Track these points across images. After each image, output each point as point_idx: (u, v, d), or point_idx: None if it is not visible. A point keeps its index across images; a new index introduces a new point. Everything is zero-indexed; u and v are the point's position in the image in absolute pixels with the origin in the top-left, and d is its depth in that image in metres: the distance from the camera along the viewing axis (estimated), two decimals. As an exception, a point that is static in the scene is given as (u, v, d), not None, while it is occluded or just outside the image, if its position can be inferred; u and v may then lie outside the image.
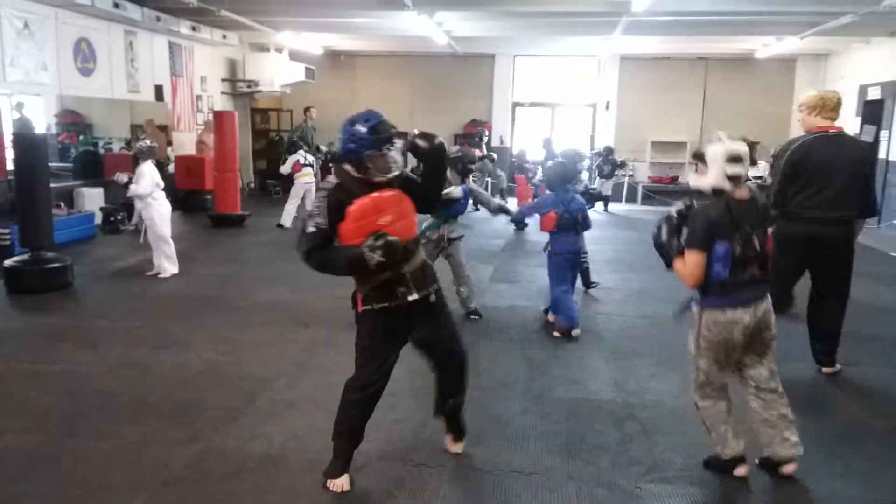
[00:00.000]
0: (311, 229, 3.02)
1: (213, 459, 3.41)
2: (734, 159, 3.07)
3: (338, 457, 3.20)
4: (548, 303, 5.93)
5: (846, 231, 4.57)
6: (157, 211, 7.21)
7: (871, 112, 12.30)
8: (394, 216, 3.01)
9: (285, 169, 10.64)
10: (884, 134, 11.72)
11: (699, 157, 3.18)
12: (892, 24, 10.81)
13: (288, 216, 10.35)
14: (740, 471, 3.30)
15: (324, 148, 12.89)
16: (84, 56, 9.65)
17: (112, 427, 3.75)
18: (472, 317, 5.96)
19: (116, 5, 9.32)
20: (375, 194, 2.99)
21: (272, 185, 14.49)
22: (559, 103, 16.32)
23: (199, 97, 12.93)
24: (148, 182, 7.07)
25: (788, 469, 3.31)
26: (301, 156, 10.55)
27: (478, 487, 3.27)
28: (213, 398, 4.14)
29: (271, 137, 15.68)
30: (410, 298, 3.10)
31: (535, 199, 5.52)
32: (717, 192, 3.11)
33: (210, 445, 3.55)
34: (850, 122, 13.13)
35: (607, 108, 15.85)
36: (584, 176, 9.43)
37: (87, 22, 9.55)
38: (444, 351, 3.34)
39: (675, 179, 15.59)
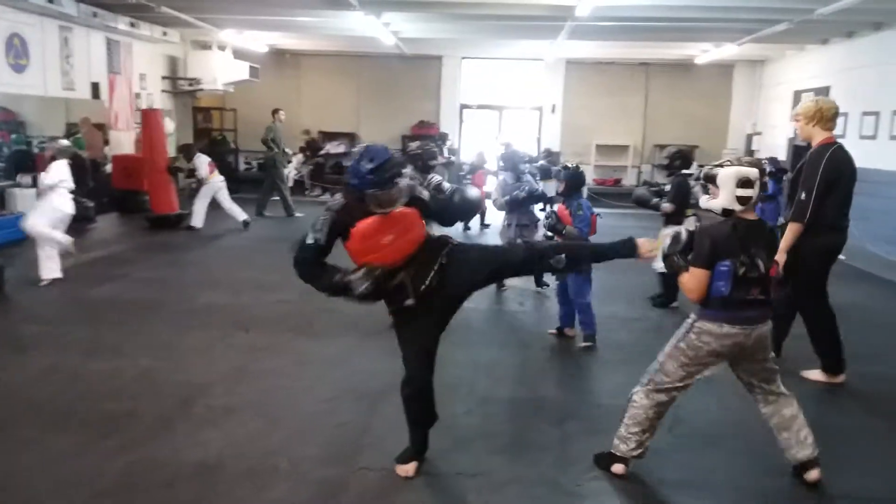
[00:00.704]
0: (309, 241, 3.08)
1: (146, 470, 3.29)
2: (745, 183, 3.09)
3: (412, 444, 3.37)
4: (560, 321, 5.63)
5: (845, 237, 4.70)
6: (53, 206, 6.78)
7: (804, 117, 12.73)
8: (396, 234, 3.09)
9: (203, 172, 10.34)
10: (816, 139, 12.14)
11: (710, 179, 3.20)
12: (825, 32, 11.23)
13: (199, 217, 10.13)
14: (617, 468, 3.38)
15: (289, 151, 12.68)
16: (17, 52, 9.26)
17: (39, 437, 3.59)
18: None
19: (51, 0, 8.97)
20: (378, 216, 3.08)
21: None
22: (506, 106, 16.44)
23: (137, 95, 12.55)
24: (55, 174, 6.73)
25: (812, 475, 3.33)
26: (207, 158, 10.39)
27: (421, 490, 3.24)
28: (147, 406, 4.00)
29: (214, 136, 15.35)
30: (408, 303, 3.17)
31: (571, 209, 5.31)
32: (726, 213, 3.16)
33: (142, 455, 3.43)
34: (783, 127, 13.60)
35: (553, 111, 16.04)
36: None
37: (19, 17, 9.17)
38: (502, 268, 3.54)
39: (618, 182, 15.87)
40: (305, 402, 4.13)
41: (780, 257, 4.46)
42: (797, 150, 12.85)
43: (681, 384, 3.28)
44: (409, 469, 3.32)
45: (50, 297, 6.42)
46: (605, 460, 3.42)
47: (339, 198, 3.19)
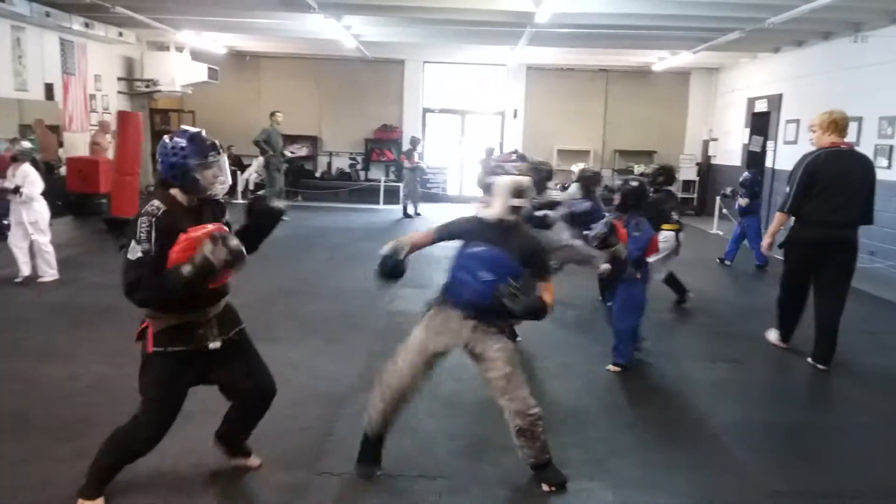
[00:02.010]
0: (135, 256, 2.74)
1: (102, 477, 3.22)
2: (519, 193, 3.20)
3: (90, 483, 3.00)
4: (616, 357, 5.05)
5: (848, 235, 5.12)
6: (42, 214, 6.85)
7: (759, 123, 13.09)
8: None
9: None
10: (770, 144, 12.49)
11: (487, 189, 3.31)
12: (776, 41, 11.55)
13: None
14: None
15: (287, 153, 12.49)
16: (-34, 51, 9.02)
17: (-11, 446, 3.49)
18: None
19: (2, 0, 8.74)
20: (199, 229, 2.76)
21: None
22: (469, 110, 16.52)
23: (92, 96, 12.30)
24: (39, 183, 6.78)
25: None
26: None
27: (384, 493, 3.24)
28: (102, 413, 3.91)
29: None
30: (211, 346, 2.94)
31: (632, 227, 4.86)
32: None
33: (98, 462, 3.35)
34: (738, 133, 13.94)
35: (515, 116, 16.17)
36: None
37: (-33, 15, 8.93)
38: (252, 387, 3.16)
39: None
40: (266, 407, 4.08)
41: (766, 241, 5.45)
42: (752, 156, 13.19)
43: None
44: None
45: (2, 301, 6.24)
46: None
47: (157, 203, 2.81)
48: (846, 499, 3.41)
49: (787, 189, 5.20)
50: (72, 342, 5.13)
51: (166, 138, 2.89)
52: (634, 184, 5.13)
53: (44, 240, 6.91)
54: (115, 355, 4.88)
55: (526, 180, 3.29)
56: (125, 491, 3.12)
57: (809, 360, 5.24)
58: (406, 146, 14.12)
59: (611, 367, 4.97)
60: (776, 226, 5.34)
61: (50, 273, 6.97)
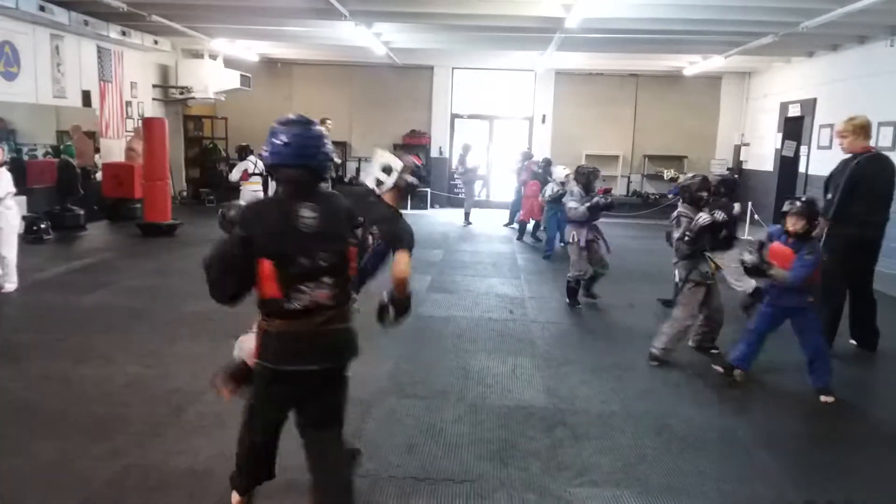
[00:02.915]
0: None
1: (136, 475, 3.30)
2: (386, 170, 3.50)
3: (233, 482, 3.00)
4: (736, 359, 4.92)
5: (882, 234, 5.54)
6: (9, 221, 6.67)
7: (792, 128, 12.89)
8: None
9: (234, 176, 10.24)
10: (803, 149, 12.29)
11: (387, 171, 3.50)
12: (810, 45, 11.37)
13: None
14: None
15: (338, 161, 12.54)
16: (7, 60, 9.27)
17: (29, 443, 3.59)
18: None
19: (42, 8, 8.99)
20: None
21: (205, 194, 14.17)
22: (497, 116, 16.52)
23: (128, 103, 12.56)
24: (3, 186, 6.59)
25: None
26: (251, 163, 10.12)
27: (411, 496, 3.26)
28: (137, 412, 4.01)
29: (205, 145, 15.35)
30: (308, 368, 2.62)
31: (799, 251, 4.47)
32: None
33: (132, 461, 3.44)
34: (771, 138, 13.74)
35: (543, 121, 16.13)
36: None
37: (10, 25, 9.18)
38: (325, 453, 2.75)
39: (608, 191, 15.89)
40: (296, 409, 4.14)
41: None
42: (783, 161, 13.00)
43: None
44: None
45: (41, 304, 6.40)
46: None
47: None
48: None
49: (829, 196, 5.44)
50: (107, 344, 5.25)
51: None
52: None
53: (8, 247, 6.66)
54: (149, 356, 4.99)
55: (395, 161, 3.54)
56: (160, 487, 3.18)
57: (853, 341, 5.73)
58: (433, 152, 14.21)
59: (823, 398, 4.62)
60: (819, 232, 5.27)
61: (6, 284, 6.68)
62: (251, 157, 10.08)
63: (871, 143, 5.50)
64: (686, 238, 5.16)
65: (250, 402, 2.83)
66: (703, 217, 5.09)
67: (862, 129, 5.43)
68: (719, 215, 5.09)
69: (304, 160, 2.58)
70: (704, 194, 5.29)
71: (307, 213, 2.53)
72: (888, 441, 4.16)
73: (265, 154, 2.64)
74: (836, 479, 3.61)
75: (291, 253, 2.51)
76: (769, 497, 3.39)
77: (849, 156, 5.51)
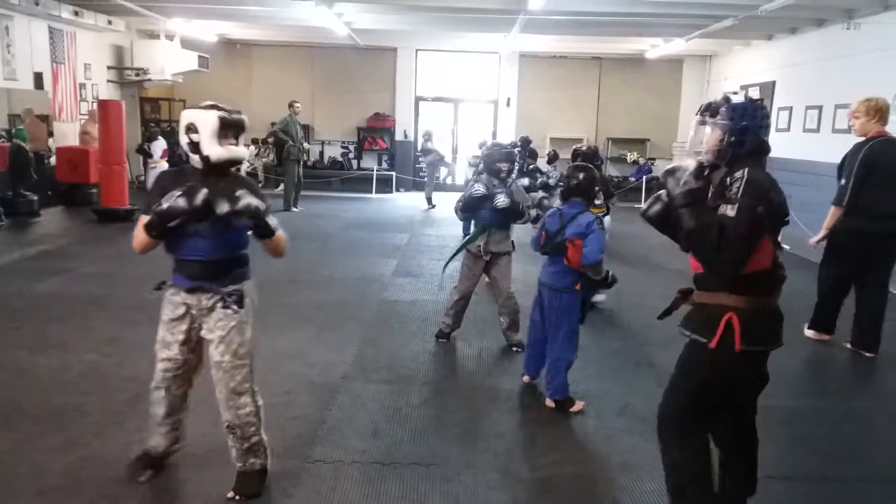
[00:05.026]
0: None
1: (94, 466, 3.22)
2: (189, 129, 2.83)
3: None
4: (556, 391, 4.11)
5: (892, 225, 5.03)
6: None
7: (751, 111, 13.08)
8: None
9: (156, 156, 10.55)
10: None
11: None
12: (770, 28, 11.53)
13: None
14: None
15: (306, 146, 12.41)
16: (-48, 40, 8.93)
17: (-20, 435, 3.48)
18: (515, 349, 5.08)
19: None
20: None
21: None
22: (462, 99, 16.46)
23: (82, 85, 12.20)
24: None
25: None
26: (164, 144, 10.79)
27: (377, 481, 3.24)
28: (95, 402, 3.91)
29: (162, 128, 15.01)
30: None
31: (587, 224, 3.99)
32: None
33: (90, 451, 3.35)
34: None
35: (508, 104, 16.12)
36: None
37: (-46, 3, 8.84)
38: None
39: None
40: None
41: (821, 234, 5.26)
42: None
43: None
44: None
45: (-9, 293, 6.21)
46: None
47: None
48: (833, 481, 3.44)
49: (842, 181, 5.07)
50: (63, 332, 5.11)
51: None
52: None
53: None
54: (107, 344, 4.88)
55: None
56: (118, 479, 3.10)
57: (849, 345, 5.28)
58: (398, 135, 14.13)
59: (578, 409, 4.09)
60: (833, 220, 5.15)
61: None
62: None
63: (876, 127, 5.02)
64: (459, 203, 5.14)
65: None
66: (478, 188, 4.99)
67: (878, 111, 5.02)
68: (478, 190, 4.89)
69: None
70: (504, 166, 5.04)
71: None
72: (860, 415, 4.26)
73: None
74: (797, 454, 3.69)
75: None
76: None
77: (861, 139, 5.11)
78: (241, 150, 2.95)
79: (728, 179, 2.51)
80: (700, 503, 2.69)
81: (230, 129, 2.87)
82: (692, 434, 2.69)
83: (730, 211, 2.42)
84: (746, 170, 2.48)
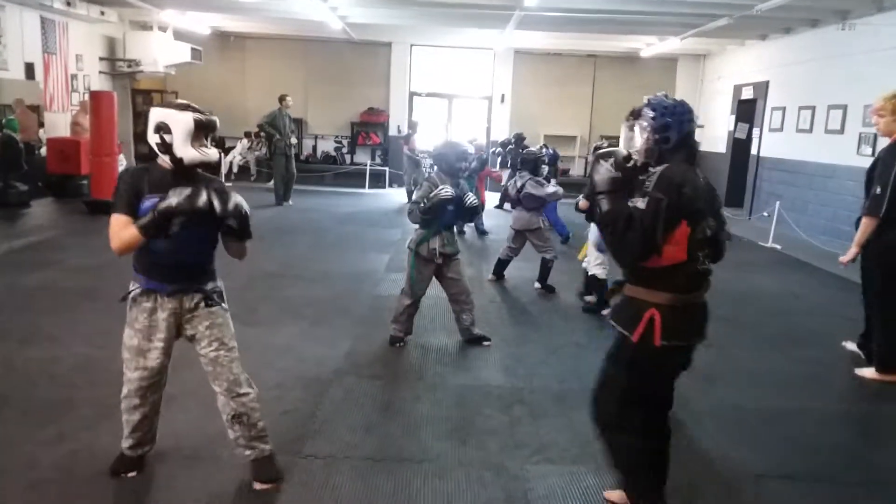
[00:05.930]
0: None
1: (85, 459, 3.20)
2: (160, 128, 2.76)
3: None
4: None
5: None
6: None
7: (745, 111, 13.14)
8: None
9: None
10: (755, 131, 12.54)
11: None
12: (764, 28, 11.57)
13: None
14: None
15: (294, 141, 12.23)
16: (-58, 29, 8.85)
17: (-31, 428, 3.45)
18: (486, 343, 5.16)
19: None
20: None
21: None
22: (456, 94, 16.44)
23: (74, 76, 12.12)
24: None
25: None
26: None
27: (368, 477, 3.23)
28: (85, 395, 3.89)
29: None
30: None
31: None
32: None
33: (81, 444, 3.33)
34: (724, 120, 13.98)
35: (502, 100, 16.12)
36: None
37: (-56, -8, 8.75)
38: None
39: (566, 172, 16.07)
40: (251, 390, 4.06)
41: (853, 251, 4.70)
42: (736, 144, 13.25)
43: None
44: None
45: (-20, 284, 6.16)
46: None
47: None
48: (824, 482, 3.45)
49: (877, 190, 4.49)
50: (54, 324, 5.08)
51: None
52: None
53: None
54: (97, 336, 4.83)
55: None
56: (109, 472, 3.09)
57: (856, 348, 5.01)
58: (391, 130, 14.05)
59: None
60: (866, 233, 4.58)
61: None
62: None
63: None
64: (417, 206, 4.84)
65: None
66: (446, 190, 4.73)
67: None
68: (447, 191, 4.70)
69: None
70: (464, 165, 4.94)
71: None
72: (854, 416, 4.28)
73: None
74: (791, 454, 3.70)
75: None
76: (722, 470, 3.46)
77: (889, 141, 4.56)
78: (214, 153, 2.88)
79: (646, 175, 2.60)
80: (648, 486, 2.86)
81: (203, 130, 2.83)
82: (628, 420, 2.81)
83: (640, 203, 2.52)
84: (664, 166, 2.58)
